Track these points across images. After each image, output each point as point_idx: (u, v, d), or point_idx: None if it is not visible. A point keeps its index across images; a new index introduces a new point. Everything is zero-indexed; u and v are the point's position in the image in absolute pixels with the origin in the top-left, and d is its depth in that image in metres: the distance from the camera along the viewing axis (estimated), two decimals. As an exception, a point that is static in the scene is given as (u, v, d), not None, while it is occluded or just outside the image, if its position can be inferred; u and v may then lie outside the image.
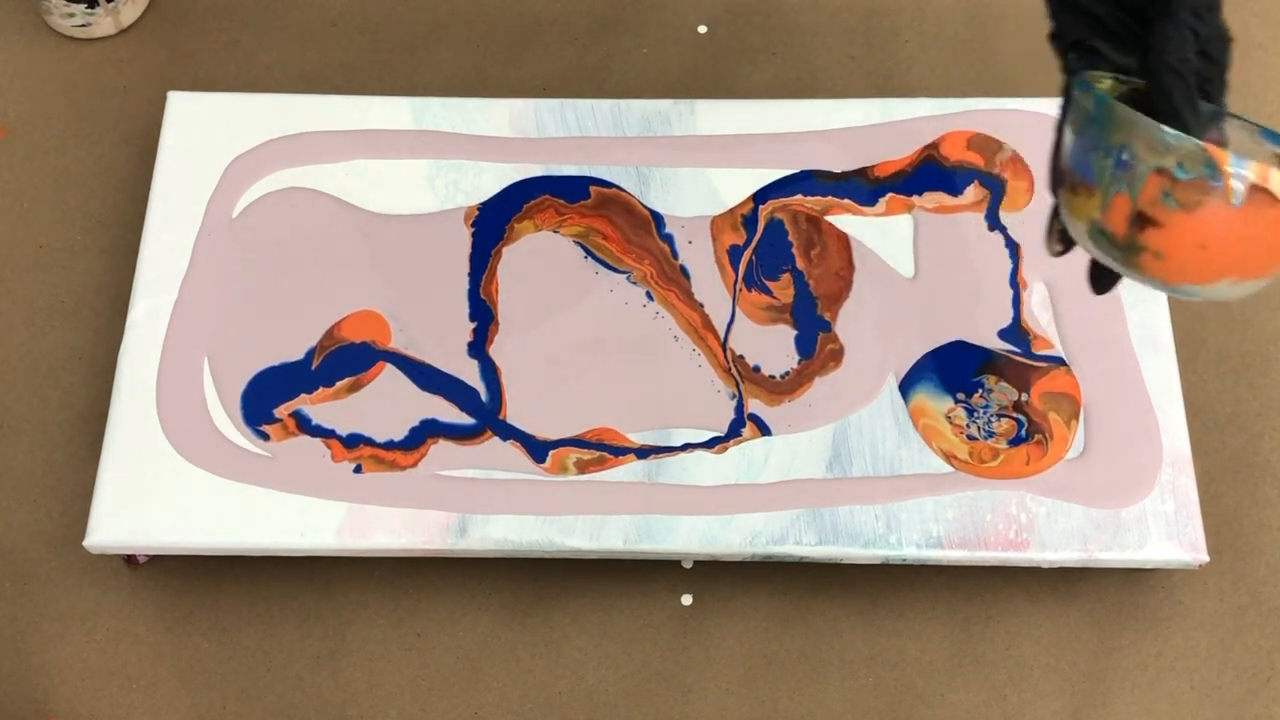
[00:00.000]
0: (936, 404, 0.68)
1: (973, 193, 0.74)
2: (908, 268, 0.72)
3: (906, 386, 0.69)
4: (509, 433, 0.68)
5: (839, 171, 0.74)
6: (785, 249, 0.72)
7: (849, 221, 0.73)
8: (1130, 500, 0.66)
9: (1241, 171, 0.45)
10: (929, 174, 0.74)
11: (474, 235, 0.73)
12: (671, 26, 0.85)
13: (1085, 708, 0.67)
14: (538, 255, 0.72)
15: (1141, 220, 0.47)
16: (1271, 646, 0.69)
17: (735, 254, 0.72)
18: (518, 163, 0.75)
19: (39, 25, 0.85)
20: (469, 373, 0.69)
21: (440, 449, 0.67)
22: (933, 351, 0.70)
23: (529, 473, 0.67)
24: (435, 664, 0.68)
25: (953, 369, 0.69)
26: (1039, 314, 0.71)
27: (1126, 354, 0.69)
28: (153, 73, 0.83)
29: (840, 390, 0.69)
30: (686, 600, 0.70)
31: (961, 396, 0.69)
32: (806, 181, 0.74)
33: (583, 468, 0.67)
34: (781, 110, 0.76)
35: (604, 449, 0.67)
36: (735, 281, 0.72)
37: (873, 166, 0.74)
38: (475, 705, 0.67)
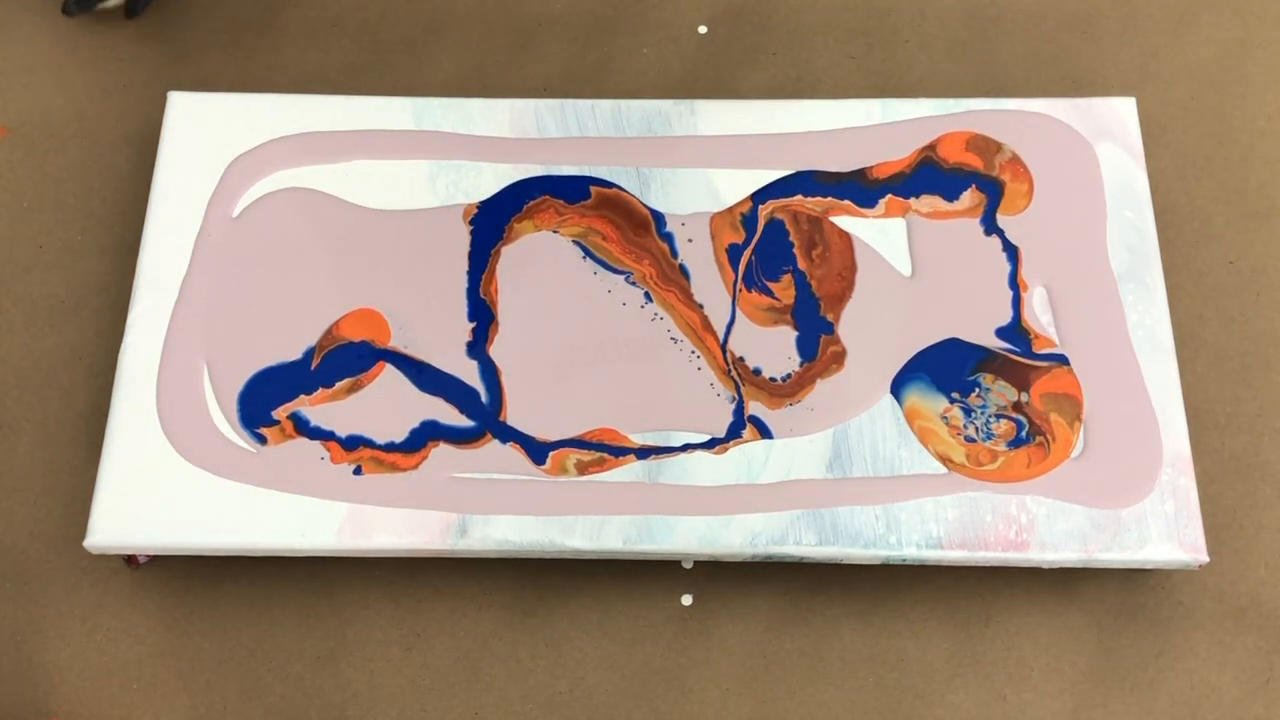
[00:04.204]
0: (931, 404, 0.68)
1: (969, 197, 0.73)
2: (908, 269, 0.72)
3: (898, 387, 0.69)
4: (509, 435, 0.68)
5: (838, 172, 0.74)
6: (786, 249, 0.72)
7: (848, 223, 0.73)
8: (1130, 500, 0.66)
9: None
10: (927, 176, 0.74)
11: (473, 234, 0.73)
12: (671, 26, 0.85)
13: (1085, 708, 0.67)
14: (537, 255, 0.72)
15: None
16: (1271, 647, 0.69)
17: (734, 253, 0.72)
18: (518, 163, 0.75)
19: (39, 24, 0.85)
20: (469, 373, 0.69)
21: (440, 452, 0.67)
22: (924, 350, 0.70)
23: (529, 474, 0.67)
24: (435, 664, 0.68)
25: (946, 368, 0.69)
26: (1039, 315, 0.71)
27: (1126, 354, 0.69)
28: (153, 73, 0.83)
29: (843, 393, 0.69)
30: (686, 600, 0.70)
31: (957, 396, 0.69)
32: (806, 182, 0.74)
33: (583, 468, 0.67)
34: (781, 110, 0.76)
35: (604, 449, 0.67)
36: (735, 281, 0.71)
37: (871, 167, 0.74)
38: (475, 705, 0.67)
